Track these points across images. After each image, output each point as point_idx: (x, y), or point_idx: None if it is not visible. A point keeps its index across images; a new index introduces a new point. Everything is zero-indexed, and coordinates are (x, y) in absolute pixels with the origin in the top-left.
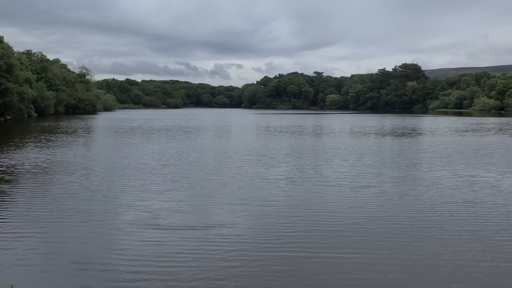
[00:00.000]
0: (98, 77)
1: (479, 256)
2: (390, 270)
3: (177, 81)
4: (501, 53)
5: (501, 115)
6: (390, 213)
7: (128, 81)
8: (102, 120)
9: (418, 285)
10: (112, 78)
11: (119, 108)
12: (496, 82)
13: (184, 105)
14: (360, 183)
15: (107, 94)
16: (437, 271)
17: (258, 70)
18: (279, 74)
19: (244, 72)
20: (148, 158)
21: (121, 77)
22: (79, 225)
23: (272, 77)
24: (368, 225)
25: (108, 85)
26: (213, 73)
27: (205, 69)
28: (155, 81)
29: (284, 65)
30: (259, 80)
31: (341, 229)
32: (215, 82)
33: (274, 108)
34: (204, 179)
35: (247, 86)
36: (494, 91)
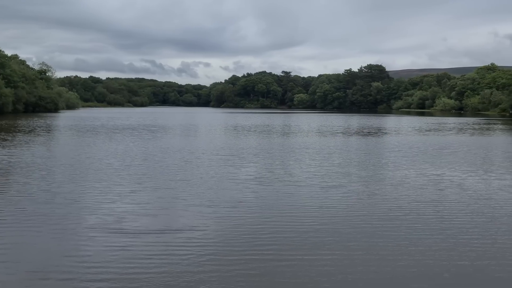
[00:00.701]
0: (60, 74)
1: (447, 255)
2: (362, 271)
3: (143, 79)
4: (459, 55)
5: (460, 115)
6: (360, 212)
7: (92, 79)
8: (63, 118)
9: (389, 285)
10: (74, 75)
11: (83, 107)
12: (456, 83)
13: (151, 103)
14: (329, 183)
15: (70, 92)
16: (407, 271)
17: (226, 68)
18: (247, 73)
19: (212, 70)
20: (112, 158)
21: (84, 75)
22: (37, 231)
23: (240, 76)
24: (338, 225)
25: (71, 83)
26: (180, 71)
27: (172, 67)
28: (120, 78)
29: (252, 64)
30: (227, 79)
31: (312, 230)
32: (182, 80)
33: (242, 107)
34: (171, 180)
35: (215, 84)
36: (454, 92)
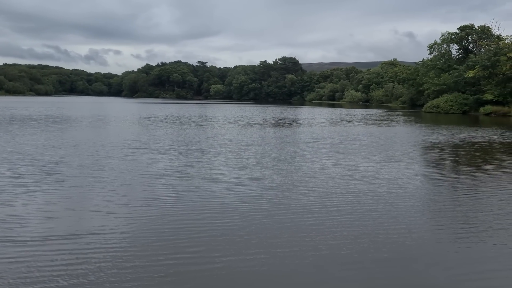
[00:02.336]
0: None
1: (367, 247)
2: (287, 263)
3: (47, 66)
4: (365, 51)
5: (366, 107)
6: (281, 206)
7: None
8: None
9: (315, 274)
10: None
11: None
12: (363, 77)
13: (56, 92)
14: (248, 176)
15: None
16: (337, 263)
17: (137, 57)
18: (162, 62)
19: (123, 58)
20: (6, 153)
21: None
22: None
23: (154, 65)
24: (259, 220)
25: None
26: (88, 58)
27: (79, 54)
28: (20, 65)
29: (166, 53)
30: (140, 67)
31: (233, 226)
32: (91, 68)
33: (157, 97)
34: (78, 176)
35: (127, 73)
36: (361, 85)
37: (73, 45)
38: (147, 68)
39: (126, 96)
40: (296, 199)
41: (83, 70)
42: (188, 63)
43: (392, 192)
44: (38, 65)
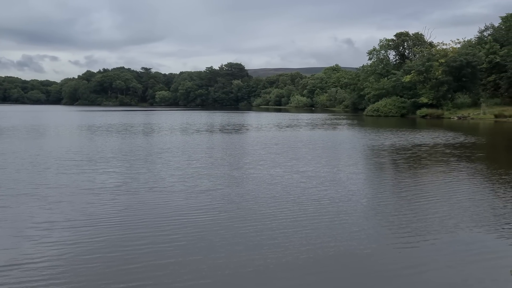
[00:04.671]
0: None
1: (314, 253)
2: (240, 275)
3: None
4: (307, 57)
5: (312, 111)
6: (236, 218)
7: None
8: None
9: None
10: None
11: None
12: (307, 82)
13: None
14: (199, 188)
15: None
16: (282, 269)
17: (76, 63)
18: (104, 69)
19: (61, 65)
20: None
21: None
22: None
23: (96, 72)
24: (209, 232)
25: None
26: (22, 65)
27: (11, 60)
28: None
29: (107, 59)
30: (80, 74)
31: (182, 240)
32: (25, 75)
33: (99, 104)
34: (9, 194)
35: (67, 80)
36: (306, 90)
37: (4, 50)
38: (88, 75)
39: (66, 104)
40: (251, 207)
41: (17, 78)
42: (132, 69)
43: (349, 198)
44: None
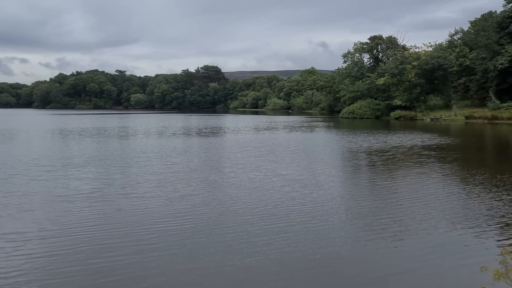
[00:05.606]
0: None
1: (293, 255)
2: (223, 285)
3: None
4: (283, 59)
5: (288, 114)
6: (213, 223)
7: None
8: None
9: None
10: None
11: None
12: (284, 84)
13: None
14: (178, 193)
15: None
16: (265, 271)
17: (47, 66)
18: (77, 71)
19: (31, 67)
20: None
21: None
22: None
23: (69, 75)
24: (190, 239)
25: None
26: None
27: None
28: None
29: (80, 62)
30: (53, 77)
31: (163, 249)
32: None
33: (73, 108)
34: None
35: (38, 83)
36: (282, 93)
37: None
38: (61, 78)
39: (37, 107)
40: (231, 215)
41: None
42: (106, 72)
43: (331, 201)
44: None
